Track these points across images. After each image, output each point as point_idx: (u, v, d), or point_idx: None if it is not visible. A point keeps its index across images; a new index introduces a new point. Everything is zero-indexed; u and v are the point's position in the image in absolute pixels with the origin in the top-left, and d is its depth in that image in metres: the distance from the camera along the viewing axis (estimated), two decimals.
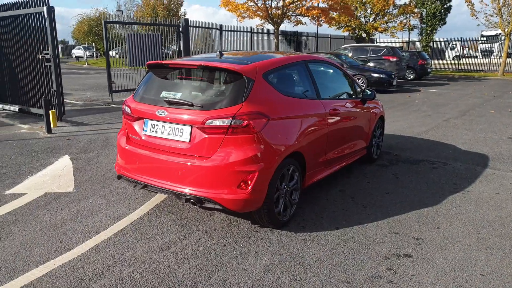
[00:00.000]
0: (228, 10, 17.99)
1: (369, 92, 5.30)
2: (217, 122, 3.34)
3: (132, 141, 3.88)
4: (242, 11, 18.09)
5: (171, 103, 3.58)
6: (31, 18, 8.01)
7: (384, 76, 15.59)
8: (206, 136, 3.39)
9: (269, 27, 20.19)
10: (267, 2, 18.78)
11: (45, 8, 7.50)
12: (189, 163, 3.42)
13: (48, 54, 7.74)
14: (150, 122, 3.71)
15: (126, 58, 12.15)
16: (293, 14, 19.93)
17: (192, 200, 3.47)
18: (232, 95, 3.46)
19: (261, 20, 19.42)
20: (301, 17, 20.27)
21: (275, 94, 3.74)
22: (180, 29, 13.15)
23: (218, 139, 3.36)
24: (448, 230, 3.87)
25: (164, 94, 3.69)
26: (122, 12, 28.02)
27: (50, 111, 7.61)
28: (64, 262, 3.16)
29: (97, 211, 4.12)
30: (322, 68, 5.01)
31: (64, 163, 5.60)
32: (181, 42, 13.28)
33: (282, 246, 3.50)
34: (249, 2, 18.39)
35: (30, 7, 7.92)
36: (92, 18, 33.98)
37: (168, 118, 3.55)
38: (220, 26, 16.15)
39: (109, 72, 11.35)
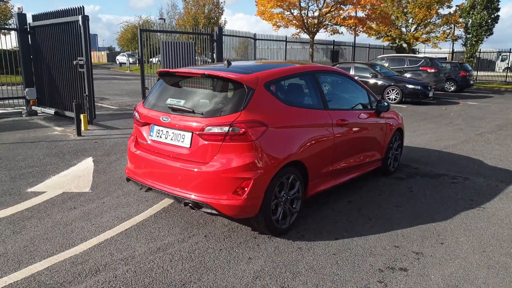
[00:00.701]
0: (263, 19, 18.21)
1: (383, 104, 5.24)
2: (215, 129, 3.44)
3: (140, 146, 4.06)
4: (277, 20, 18.26)
5: (174, 110, 3.73)
6: (68, 26, 8.51)
7: (419, 88, 15.20)
8: (205, 142, 3.50)
9: (305, 36, 20.25)
10: (303, 12, 18.86)
11: (80, 17, 7.96)
12: (188, 168, 3.54)
13: (82, 60, 8.20)
14: (156, 128, 3.87)
15: (161, 65, 12.58)
16: (329, 23, 19.87)
17: (190, 204, 3.58)
18: (231, 103, 3.56)
19: (296, 29, 19.52)
20: (337, 27, 20.17)
21: (276, 103, 3.80)
22: (214, 37, 13.45)
23: (216, 145, 3.46)
24: (451, 246, 3.76)
25: (169, 101, 3.85)
26: (164, 21, 29.00)
27: (81, 115, 8.03)
28: (66, 258, 3.35)
29: (107, 211, 4.32)
30: (332, 79, 5.02)
31: (86, 165, 5.90)
32: (214, 50, 13.57)
33: (277, 253, 3.54)
34: (285, 11, 18.54)
35: (67, 16, 8.42)
36: (136, 26, 35.42)
37: (171, 124, 3.71)
38: (254, 35, 16.36)
39: (143, 79, 11.78)
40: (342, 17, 18.62)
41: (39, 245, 3.56)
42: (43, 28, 9.37)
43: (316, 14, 19.09)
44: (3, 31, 13.05)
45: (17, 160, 6.09)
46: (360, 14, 20.54)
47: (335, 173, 4.55)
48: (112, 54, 53.26)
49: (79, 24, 8.03)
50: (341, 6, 18.65)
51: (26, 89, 9.78)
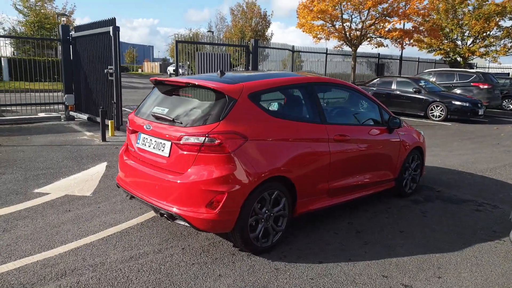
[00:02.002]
0: (303, 31, 18.08)
1: (394, 120, 4.91)
2: (192, 139, 3.36)
3: (130, 153, 4.07)
4: (318, 32, 18.03)
5: (157, 118, 3.71)
6: (101, 37, 8.90)
7: (467, 105, 14.26)
8: (183, 152, 3.43)
9: (347, 48, 19.82)
10: (346, 24, 18.50)
11: (111, 27, 8.30)
12: (165, 178, 3.49)
13: (111, 69, 8.52)
14: (142, 136, 3.86)
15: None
16: (373, 35, 19.31)
17: (165, 215, 3.51)
18: (211, 113, 3.47)
19: (339, 41, 19.16)
20: (381, 39, 19.55)
21: (261, 115, 3.65)
22: (250, 49, 13.52)
23: (192, 156, 3.38)
24: (449, 282, 3.38)
25: (155, 109, 3.83)
26: (213, 33, 29.68)
27: (109, 121, 8.30)
28: (40, 260, 3.39)
29: (98, 216, 4.36)
30: (337, 92, 4.77)
31: (97, 170, 6.04)
32: (250, 61, 13.64)
33: (250, 272, 3.36)
34: (327, 23, 18.28)
35: (101, 27, 8.81)
36: (186, 38, 36.49)
37: (153, 132, 3.69)
38: (293, 47, 16.24)
39: None
40: (386, 29, 18.00)
41: (21, 244, 3.64)
42: (81, 38, 9.90)
43: (360, 26, 18.65)
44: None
45: (37, 162, 6.38)
46: (408, 26, 19.81)
47: (332, 192, 4.29)
48: (164, 65, 55.41)
49: (110, 35, 8.35)
50: (387, 18, 18.03)
51: (65, 96, 10.34)
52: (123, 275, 3.21)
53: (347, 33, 18.56)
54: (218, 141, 3.30)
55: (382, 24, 18.63)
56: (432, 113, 14.53)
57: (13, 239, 3.74)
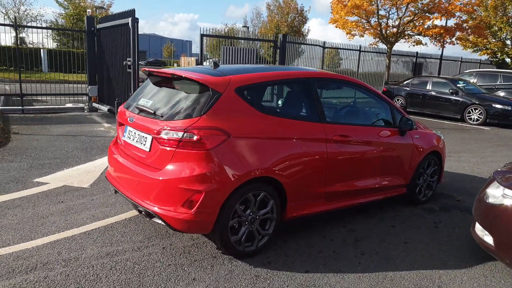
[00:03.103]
0: (336, 27, 17.52)
1: (406, 121, 4.53)
2: (170, 134, 3.18)
3: (117, 146, 3.95)
4: (351, 28, 17.42)
5: (141, 111, 3.56)
6: (122, 28, 8.92)
7: (510, 108, 13.33)
8: (161, 147, 3.26)
9: (383, 46, 19.05)
10: (382, 20, 17.78)
11: (130, 19, 8.28)
12: (144, 174, 3.33)
13: (130, 61, 8.52)
14: (128, 129, 3.73)
15: None
16: (410, 33, 18.45)
17: (143, 213, 3.37)
18: (193, 107, 3.27)
19: (374, 38, 18.46)
20: (420, 37, 18.64)
21: (249, 111, 3.41)
22: (278, 44, 13.24)
23: (171, 152, 3.20)
24: None
25: (140, 101, 3.69)
26: (248, 29, 29.48)
27: None
28: (15, 251, 3.32)
29: (89, 209, 4.28)
30: (340, 89, 4.45)
31: (103, 161, 6.01)
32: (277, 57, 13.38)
33: (227, 279, 3.15)
34: (362, 19, 17.64)
35: (121, 19, 8.84)
36: (221, 33, 36.55)
37: (135, 125, 3.54)
38: (324, 43, 15.75)
39: None
40: (426, 26, 17.10)
41: (3, 234, 3.60)
42: (104, 30, 9.99)
43: (396, 23, 17.85)
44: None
45: (47, 151, 6.43)
46: (450, 23, 18.75)
47: (330, 196, 3.99)
48: (201, 60, 55.66)
49: (129, 26, 8.35)
50: (427, 14, 17.10)
51: (89, 87, 10.49)
52: (93, 272, 3.09)
53: (383, 30, 17.81)
54: (197, 137, 3.10)
55: (421, 21, 17.74)
56: (469, 116, 13.69)
57: None
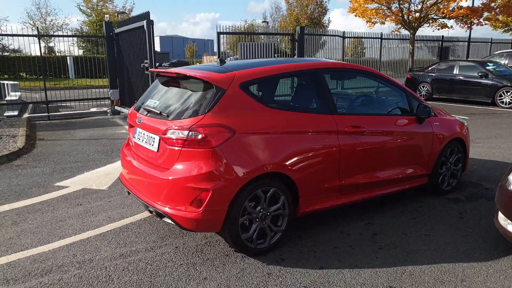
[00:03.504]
0: (356, 15, 17.13)
1: (424, 108, 4.34)
2: (176, 133, 3.16)
3: (129, 148, 3.97)
4: (371, 16, 16.98)
5: (148, 111, 3.56)
6: (138, 31, 9.02)
7: None
8: (168, 147, 3.24)
9: (405, 32, 18.49)
10: (404, 6, 17.22)
11: (144, 22, 8.36)
12: (153, 174, 3.33)
13: (147, 63, 8.60)
14: (138, 130, 3.74)
15: None
16: (435, 16, 17.80)
17: (153, 213, 3.37)
18: (197, 105, 3.23)
19: (396, 25, 17.92)
20: (445, 20, 17.95)
21: (255, 106, 3.34)
22: (296, 37, 13.09)
23: (177, 151, 3.18)
24: None
25: (148, 101, 3.69)
26: (268, 24, 29.32)
27: None
28: (33, 254, 3.40)
29: (106, 210, 4.34)
30: (349, 79, 4.31)
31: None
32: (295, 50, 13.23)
33: (238, 277, 3.10)
34: (383, 6, 17.16)
35: (137, 22, 8.93)
36: (240, 30, 36.56)
37: (144, 126, 3.55)
38: (343, 33, 15.42)
39: None
40: (450, 8, 16.43)
41: (23, 238, 3.69)
42: (122, 34, 10.13)
43: (419, 7, 17.26)
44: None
45: (70, 155, 6.58)
46: (477, 3, 17.98)
47: (345, 189, 3.88)
48: (223, 58, 55.79)
49: (144, 29, 8.43)
50: None
51: (110, 91, 10.69)
52: (106, 273, 3.11)
53: (405, 16, 17.26)
54: (202, 135, 3.07)
55: (445, 3, 17.08)
56: (501, 99, 13.11)
57: (17, 232, 3.80)
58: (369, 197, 4.17)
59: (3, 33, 22.13)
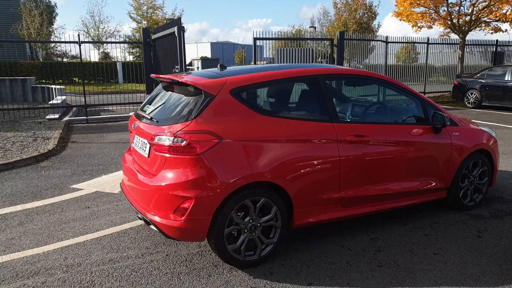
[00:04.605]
0: (400, 19, 16.44)
1: (438, 117, 4.02)
2: (162, 139, 3.12)
3: (130, 153, 4.00)
4: (418, 20, 16.23)
5: (142, 117, 3.56)
6: (170, 37, 9.19)
7: None
8: (156, 153, 3.21)
9: (454, 36, 17.51)
10: (454, 9, 16.34)
11: (176, 28, 8.51)
12: (143, 180, 3.31)
13: (177, 69, 8.74)
14: (135, 136, 3.75)
15: None
16: (488, 20, 16.73)
17: (142, 219, 3.35)
18: (185, 111, 3.18)
19: (445, 29, 17.01)
20: (499, 23, 16.82)
21: (246, 113, 3.23)
22: (335, 42, 12.81)
23: (163, 158, 3.14)
24: None
25: (145, 107, 3.70)
26: (315, 29, 28.99)
27: None
28: (27, 256, 3.47)
29: (110, 214, 4.39)
30: (354, 86, 4.07)
31: None
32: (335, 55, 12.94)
33: None
34: (430, 9, 16.37)
35: (169, 28, 9.11)
36: (288, 36, 36.38)
37: (137, 131, 3.55)
38: (386, 37, 14.86)
39: None
40: (503, 11, 15.36)
41: (23, 239, 3.80)
42: (158, 40, 10.39)
43: (470, 10, 16.27)
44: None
45: (95, 158, 6.79)
46: None
47: (347, 202, 3.66)
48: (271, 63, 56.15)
49: (175, 35, 8.58)
50: None
51: (146, 95, 10.97)
52: (89, 278, 3.12)
53: (454, 19, 16.35)
54: (186, 141, 3.00)
55: (499, 5, 16.00)
56: None
57: (20, 233, 3.93)
58: (377, 210, 3.91)
59: (46, 40, 23.67)
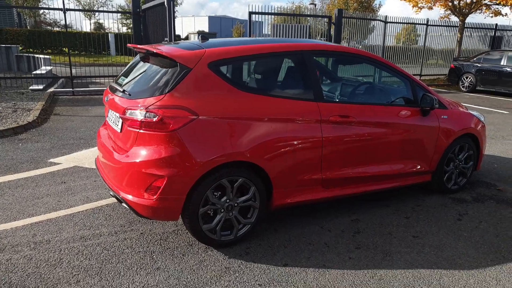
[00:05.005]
0: (401, 0, 16.13)
1: (427, 99, 3.89)
2: (133, 114, 2.96)
3: (105, 127, 3.84)
4: (418, 0, 15.90)
5: (116, 89, 3.39)
6: (160, 8, 8.88)
7: None
8: (128, 128, 3.06)
9: (454, 19, 17.22)
10: None
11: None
12: (114, 156, 3.17)
13: (167, 41, 8.45)
14: (108, 109, 3.59)
15: None
16: (488, 2, 16.44)
17: (115, 198, 3.22)
18: (159, 84, 3.01)
19: (445, 11, 16.71)
20: (499, 7, 16.53)
21: (225, 88, 3.07)
22: (333, 20, 12.53)
23: (135, 133, 2.99)
24: None
25: (120, 79, 3.53)
26: (315, 6, 28.39)
27: None
28: None
29: (86, 190, 4.26)
30: (343, 64, 3.92)
31: None
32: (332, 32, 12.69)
33: (193, 269, 2.91)
34: None
35: None
36: (287, 12, 35.69)
37: (110, 105, 3.39)
38: (385, 17, 14.56)
39: None
40: None
41: None
42: (148, 11, 10.04)
43: None
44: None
45: (76, 132, 6.60)
46: None
47: (329, 183, 3.56)
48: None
49: (165, 6, 8.28)
50: None
51: None
52: (57, 256, 3.01)
53: (455, 1, 16.03)
54: (159, 117, 2.85)
55: None
56: None
57: None
58: (359, 193, 3.83)
59: (29, 5, 22.85)
